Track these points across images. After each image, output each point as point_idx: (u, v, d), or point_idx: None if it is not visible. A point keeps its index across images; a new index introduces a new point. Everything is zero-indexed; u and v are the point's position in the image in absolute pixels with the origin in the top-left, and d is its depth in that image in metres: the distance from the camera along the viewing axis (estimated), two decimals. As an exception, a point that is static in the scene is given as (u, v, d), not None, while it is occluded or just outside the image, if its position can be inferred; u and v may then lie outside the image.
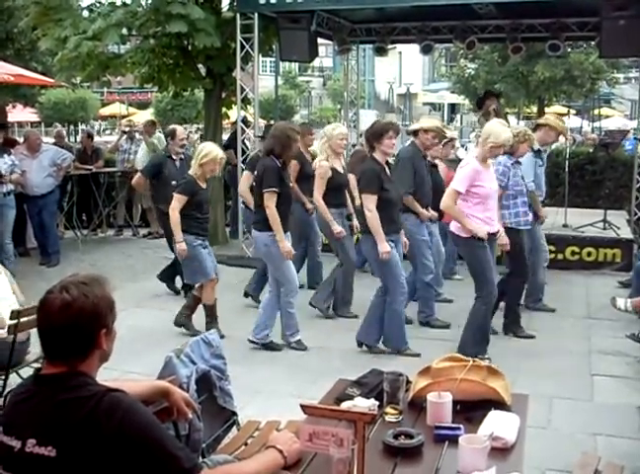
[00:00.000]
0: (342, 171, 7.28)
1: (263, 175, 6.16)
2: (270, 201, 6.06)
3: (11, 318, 4.41)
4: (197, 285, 6.89)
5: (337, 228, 7.10)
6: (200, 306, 6.83)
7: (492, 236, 5.90)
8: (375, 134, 5.98)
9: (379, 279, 6.24)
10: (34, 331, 4.61)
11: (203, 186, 6.64)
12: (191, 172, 6.58)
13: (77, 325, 2.09)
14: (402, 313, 6.22)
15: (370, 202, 5.87)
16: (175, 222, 6.49)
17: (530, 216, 6.91)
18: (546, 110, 26.14)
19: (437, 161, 7.71)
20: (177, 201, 6.49)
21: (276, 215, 6.05)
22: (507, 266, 6.93)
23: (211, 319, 6.82)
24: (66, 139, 14.97)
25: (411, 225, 6.89)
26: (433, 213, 7.14)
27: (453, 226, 5.89)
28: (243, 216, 8.04)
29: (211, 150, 6.54)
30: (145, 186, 8.26)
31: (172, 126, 8.39)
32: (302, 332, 6.66)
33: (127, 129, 12.68)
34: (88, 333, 2.12)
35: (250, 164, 7.64)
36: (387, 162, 6.15)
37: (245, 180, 7.48)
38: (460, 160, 6.97)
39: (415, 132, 7.09)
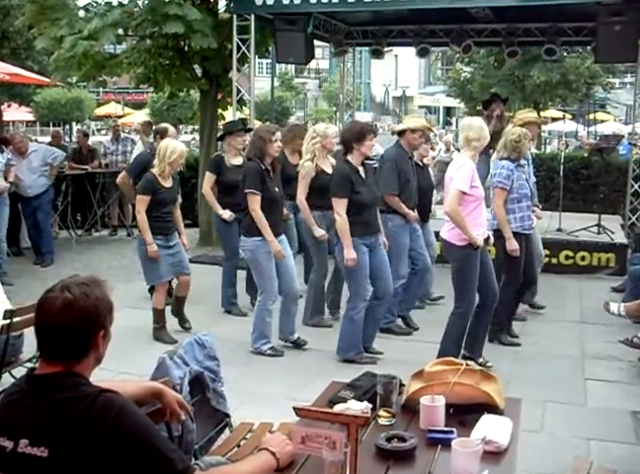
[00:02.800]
0: (330, 172, 6.93)
1: (245, 178, 6.16)
2: (253, 204, 6.04)
3: (4, 318, 4.40)
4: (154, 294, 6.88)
5: (318, 232, 6.94)
6: (202, 310, 6.79)
7: (485, 242, 5.77)
8: (358, 135, 5.79)
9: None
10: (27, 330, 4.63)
11: (166, 185, 6.53)
12: (155, 171, 6.48)
13: (77, 325, 2.09)
14: (360, 321, 6.08)
15: (340, 206, 5.73)
16: (143, 224, 6.43)
17: (534, 219, 6.88)
18: (542, 114, 26.19)
19: (425, 160, 7.68)
20: (141, 203, 6.43)
21: (261, 217, 6.02)
22: (504, 269, 6.70)
23: (159, 325, 6.70)
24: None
25: (394, 226, 6.84)
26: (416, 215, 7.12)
27: (447, 233, 5.69)
28: (213, 219, 8.02)
29: (176, 146, 6.53)
30: (129, 184, 8.12)
31: (164, 125, 8.31)
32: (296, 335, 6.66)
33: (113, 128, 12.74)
34: (87, 333, 2.12)
35: (211, 165, 7.59)
36: (363, 163, 5.98)
37: (207, 180, 7.44)
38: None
39: (401, 133, 6.98)
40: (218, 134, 11.77)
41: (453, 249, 5.66)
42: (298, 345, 6.50)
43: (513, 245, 6.37)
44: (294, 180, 7.48)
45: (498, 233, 6.55)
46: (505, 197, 6.43)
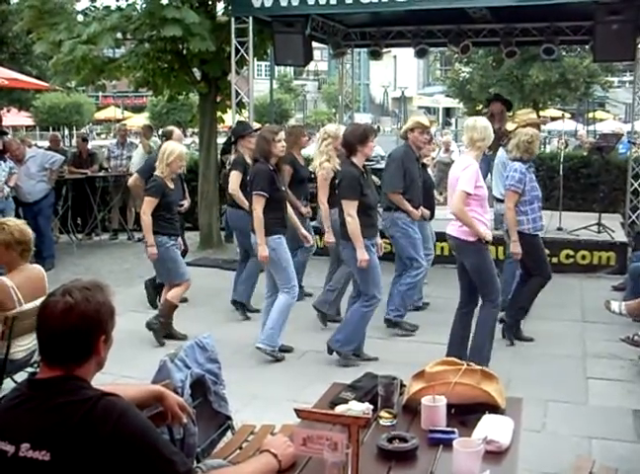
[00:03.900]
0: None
1: (253, 179, 6.19)
2: (257, 204, 6.07)
3: (4, 323, 4.40)
4: (164, 291, 6.89)
5: (329, 238, 7.01)
6: (200, 311, 6.79)
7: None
8: (361, 137, 5.83)
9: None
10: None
11: (172, 186, 6.63)
12: (157, 173, 6.55)
13: (78, 329, 2.10)
14: (369, 320, 6.11)
15: (351, 208, 5.76)
16: (147, 226, 6.50)
17: (544, 221, 6.90)
18: (541, 113, 26.21)
19: (425, 160, 7.70)
20: (148, 205, 6.50)
21: (260, 218, 6.04)
22: (530, 270, 6.76)
23: (165, 319, 6.72)
24: (61, 143, 14.93)
25: (403, 224, 6.91)
26: (425, 211, 7.15)
27: (456, 231, 5.67)
28: (230, 218, 8.02)
29: (175, 148, 6.59)
30: (141, 187, 8.17)
31: (170, 127, 8.35)
32: (297, 336, 6.65)
33: (120, 133, 12.75)
34: (88, 338, 2.13)
35: (236, 164, 7.61)
36: (364, 166, 6.03)
37: (235, 179, 7.44)
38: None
39: (405, 135, 7.13)
40: (218, 137, 11.88)
41: (465, 245, 5.66)
42: (285, 350, 6.48)
43: (517, 248, 6.44)
44: (306, 180, 7.50)
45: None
46: (516, 200, 6.47)
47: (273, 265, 6.30)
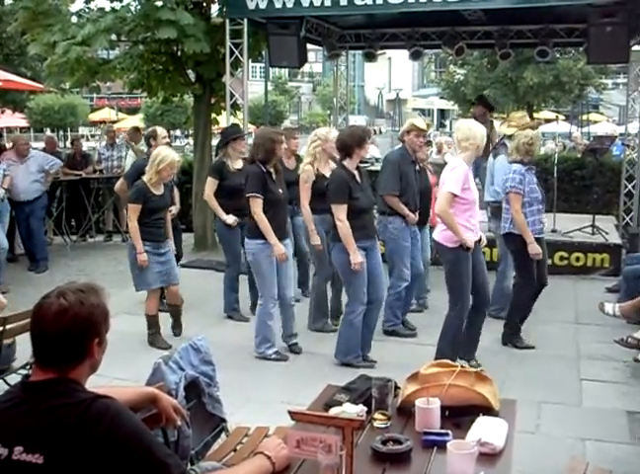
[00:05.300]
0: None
1: (247, 182, 6.16)
2: (255, 207, 6.06)
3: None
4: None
5: (315, 240, 6.94)
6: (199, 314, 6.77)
7: (476, 243, 5.73)
8: (359, 140, 5.80)
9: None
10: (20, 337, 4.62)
11: (157, 192, 6.51)
12: (145, 178, 6.47)
13: (71, 331, 2.09)
14: (359, 325, 6.05)
15: (340, 212, 5.72)
16: (134, 232, 6.45)
17: (545, 224, 6.88)
18: (535, 115, 26.26)
19: (424, 164, 7.67)
20: (132, 212, 6.45)
21: (264, 220, 6.03)
22: (515, 269, 6.81)
23: (153, 331, 6.73)
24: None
25: (395, 229, 6.87)
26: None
27: (439, 235, 5.68)
28: (213, 224, 8.00)
29: (167, 154, 6.48)
30: (127, 191, 8.12)
31: (151, 128, 8.27)
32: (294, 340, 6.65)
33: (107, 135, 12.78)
34: (82, 340, 2.12)
35: (213, 170, 7.57)
36: (358, 167, 5.98)
37: (210, 185, 7.41)
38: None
39: (402, 137, 7.10)
40: (213, 139, 11.86)
41: (445, 250, 5.67)
42: (292, 350, 6.51)
43: (535, 249, 6.37)
44: (292, 184, 7.49)
45: (508, 237, 6.58)
46: (521, 201, 6.43)
47: (254, 268, 6.33)
